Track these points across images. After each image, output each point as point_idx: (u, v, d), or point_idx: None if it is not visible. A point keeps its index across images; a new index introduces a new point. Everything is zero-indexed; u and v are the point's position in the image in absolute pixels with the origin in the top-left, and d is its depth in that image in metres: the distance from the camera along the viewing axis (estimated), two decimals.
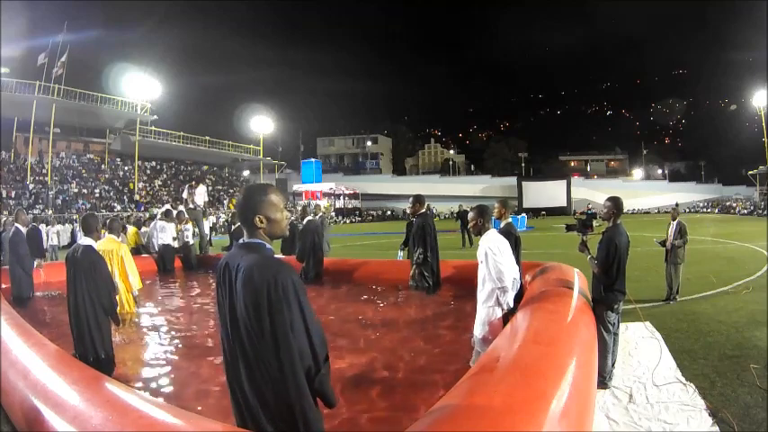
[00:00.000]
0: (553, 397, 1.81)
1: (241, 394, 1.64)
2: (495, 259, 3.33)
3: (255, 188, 1.78)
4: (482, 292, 3.48)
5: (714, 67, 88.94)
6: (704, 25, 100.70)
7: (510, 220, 4.49)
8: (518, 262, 4.33)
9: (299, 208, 7.89)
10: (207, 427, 1.84)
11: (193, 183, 12.22)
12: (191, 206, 10.84)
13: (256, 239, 1.72)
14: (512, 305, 3.42)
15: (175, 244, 9.31)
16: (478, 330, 3.49)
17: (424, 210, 6.20)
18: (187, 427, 1.82)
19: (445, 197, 46.08)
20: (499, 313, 3.40)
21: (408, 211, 6.32)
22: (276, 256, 1.79)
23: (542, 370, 2.04)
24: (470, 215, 3.62)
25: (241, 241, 1.75)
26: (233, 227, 9.58)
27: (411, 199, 6.18)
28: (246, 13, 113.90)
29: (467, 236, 14.96)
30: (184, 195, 11.54)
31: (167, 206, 10.53)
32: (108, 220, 5.84)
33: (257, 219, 1.70)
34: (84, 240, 3.63)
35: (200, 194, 11.43)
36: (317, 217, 7.66)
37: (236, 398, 1.68)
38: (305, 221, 7.11)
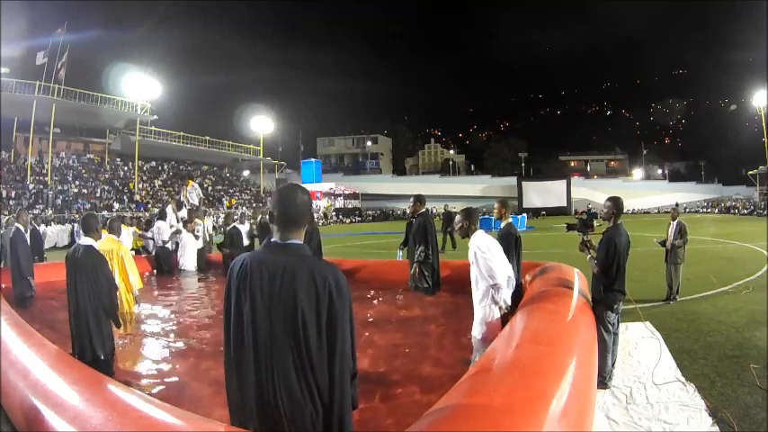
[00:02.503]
0: (553, 397, 1.81)
1: (260, 398, 1.56)
2: (484, 257, 3.35)
3: (300, 188, 1.73)
4: (476, 292, 3.50)
5: (714, 67, 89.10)
6: (704, 25, 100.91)
7: (510, 220, 4.48)
8: (519, 262, 4.34)
9: None
10: (207, 427, 1.83)
11: (186, 183, 12.24)
12: (187, 207, 10.84)
13: (296, 240, 1.66)
14: (509, 302, 3.44)
15: (199, 244, 9.44)
16: (477, 331, 3.50)
17: (424, 209, 6.21)
18: (187, 427, 1.82)
19: (445, 197, 45.82)
20: (496, 312, 3.42)
21: (408, 211, 6.33)
22: None
23: (542, 370, 2.04)
24: (457, 218, 3.66)
25: (277, 241, 1.66)
26: (227, 228, 9.55)
27: (412, 198, 6.19)
28: (246, 13, 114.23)
29: (448, 238, 14.45)
30: (182, 198, 11.52)
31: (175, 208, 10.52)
32: (108, 220, 5.84)
33: (307, 218, 1.69)
34: (84, 240, 3.61)
35: (192, 192, 11.37)
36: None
37: (247, 402, 1.60)
38: None
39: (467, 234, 3.59)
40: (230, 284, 1.66)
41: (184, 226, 9.36)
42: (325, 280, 1.53)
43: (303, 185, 1.81)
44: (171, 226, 9.40)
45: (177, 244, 9.29)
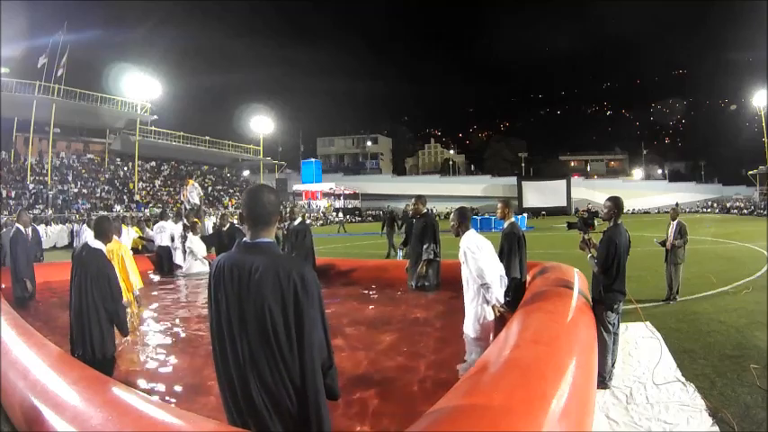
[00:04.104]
0: (553, 397, 1.81)
1: (244, 394, 1.61)
2: (473, 257, 3.38)
3: (267, 188, 1.79)
4: (468, 291, 3.52)
5: (714, 67, 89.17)
6: (704, 25, 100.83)
7: (513, 219, 4.48)
8: (522, 261, 4.33)
9: (288, 210, 7.74)
10: (207, 427, 1.84)
11: (185, 182, 12.27)
12: (187, 207, 10.83)
13: (267, 239, 1.70)
14: (501, 300, 3.44)
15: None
16: (470, 330, 3.51)
17: (425, 210, 6.22)
18: (187, 427, 1.82)
19: (445, 197, 46.07)
20: (489, 311, 3.43)
21: (410, 212, 6.33)
22: None
23: (542, 370, 2.04)
24: (451, 216, 3.71)
25: (248, 241, 1.70)
26: (224, 228, 9.48)
27: (413, 199, 6.20)
28: (246, 13, 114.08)
29: (392, 241, 12.78)
30: (182, 198, 11.53)
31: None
32: None
33: (276, 217, 1.73)
34: (94, 243, 3.54)
35: (193, 190, 11.35)
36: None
37: (234, 398, 1.65)
38: (297, 222, 7.03)
39: (458, 233, 3.61)
40: (210, 285, 1.72)
41: (191, 229, 9.30)
42: (290, 276, 1.58)
43: (271, 186, 1.88)
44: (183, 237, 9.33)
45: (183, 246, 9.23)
